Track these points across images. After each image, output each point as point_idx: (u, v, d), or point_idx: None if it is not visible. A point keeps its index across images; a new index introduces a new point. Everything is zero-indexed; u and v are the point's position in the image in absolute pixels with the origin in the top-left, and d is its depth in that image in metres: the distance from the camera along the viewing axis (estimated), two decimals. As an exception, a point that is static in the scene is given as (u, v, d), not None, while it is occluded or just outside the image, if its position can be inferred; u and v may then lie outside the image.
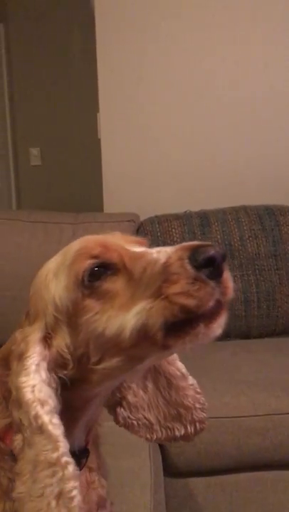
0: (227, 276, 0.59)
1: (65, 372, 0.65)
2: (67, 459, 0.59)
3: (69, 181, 3.36)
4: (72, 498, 0.58)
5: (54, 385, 0.64)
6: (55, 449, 0.59)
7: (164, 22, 2.34)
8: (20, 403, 0.61)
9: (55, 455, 0.59)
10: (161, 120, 2.40)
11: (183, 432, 0.81)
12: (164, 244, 2.02)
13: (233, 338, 1.99)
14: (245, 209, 2.11)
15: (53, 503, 0.58)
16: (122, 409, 0.80)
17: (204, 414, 0.82)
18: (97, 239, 0.68)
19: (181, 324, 0.58)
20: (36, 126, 3.51)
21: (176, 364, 0.81)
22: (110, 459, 0.85)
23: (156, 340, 0.59)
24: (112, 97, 2.39)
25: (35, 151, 3.54)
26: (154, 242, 2.04)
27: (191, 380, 0.82)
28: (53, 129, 3.42)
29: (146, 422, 0.80)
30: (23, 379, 0.62)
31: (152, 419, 0.81)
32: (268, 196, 2.22)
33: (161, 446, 1.46)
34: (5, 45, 3.56)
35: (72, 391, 0.66)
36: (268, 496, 1.51)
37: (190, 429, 0.82)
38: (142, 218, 2.16)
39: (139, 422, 0.80)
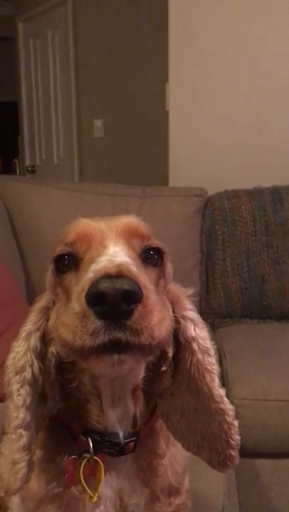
0: (141, 316, 0.51)
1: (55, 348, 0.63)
2: (21, 431, 0.63)
3: (132, 154, 3.31)
4: (18, 470, 0.63)
5: (50, 356, 0.64)
6: (15, 418, 0.63)
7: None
8: (4, 366, 0.65)
9: (13, 424, 0.63)
10: (233, 91, 2.32)
11: (208, 457, 0.70)
12: (233, 221, 1.97)
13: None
14: None
15: (8, 467, 0.63)
16: (162, 403, 0.69)
17: (232, 452, 0.68)
18: (82, 224, 0.63)
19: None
20: (100, 97, 3.48)
21: (206, 377, 0.66)
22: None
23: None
24: (183, 68, 2.33)
25: (98, 123, 3.51)
26: (223, 219, 1.99)
27: (223, 404, 0.66)
28: (117, 100, 3.37)
29: (179, 427, 0.70)
30: (14, 344, 0.65)
31: (184, 427, 0.69)
32: None
33: (229, 425, 1.44)
34: (72, 17, 3.52)
35: (79, 371, 0.65)
36: None
37: (215, 458, 0.69)
38: (210, 193, 2.11)
39: (173, 424, 0.70)
